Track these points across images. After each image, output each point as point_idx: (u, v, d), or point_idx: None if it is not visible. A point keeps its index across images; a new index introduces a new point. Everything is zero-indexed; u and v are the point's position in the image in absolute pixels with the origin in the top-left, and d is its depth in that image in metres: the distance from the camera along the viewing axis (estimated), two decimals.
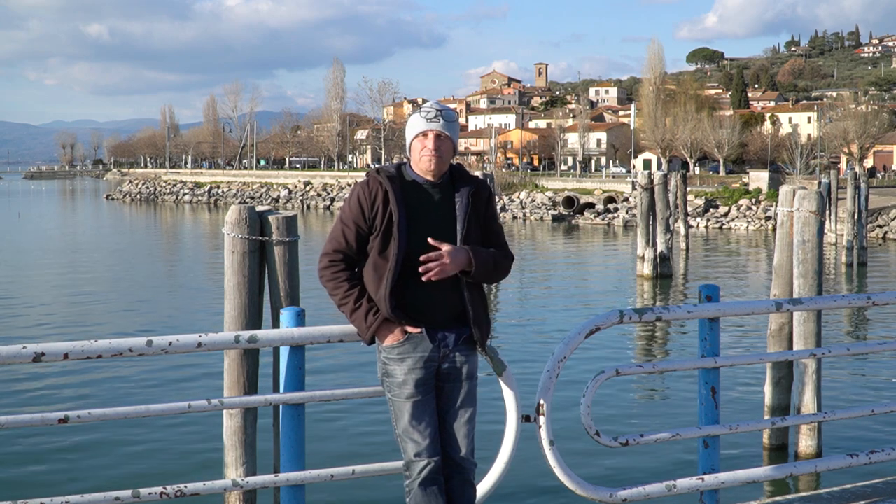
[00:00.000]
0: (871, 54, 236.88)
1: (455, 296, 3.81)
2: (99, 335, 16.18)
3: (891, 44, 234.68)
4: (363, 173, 3.62)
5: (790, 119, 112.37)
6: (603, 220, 56.59)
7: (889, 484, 5.11)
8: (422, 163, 3.78)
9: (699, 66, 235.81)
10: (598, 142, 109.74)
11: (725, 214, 54.14)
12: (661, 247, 26.53)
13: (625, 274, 28.94)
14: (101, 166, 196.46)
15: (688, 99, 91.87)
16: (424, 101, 4.05)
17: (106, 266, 31.27)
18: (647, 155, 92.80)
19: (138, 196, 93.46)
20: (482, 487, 4.24)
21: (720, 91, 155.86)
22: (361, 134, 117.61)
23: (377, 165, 4.63)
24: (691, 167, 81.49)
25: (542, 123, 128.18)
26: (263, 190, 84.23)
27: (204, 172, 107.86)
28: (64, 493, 3.81)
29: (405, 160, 3.93)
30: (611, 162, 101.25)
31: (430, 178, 3.80)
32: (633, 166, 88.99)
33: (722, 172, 79.09)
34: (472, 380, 3.87)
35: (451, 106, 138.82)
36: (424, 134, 3.78)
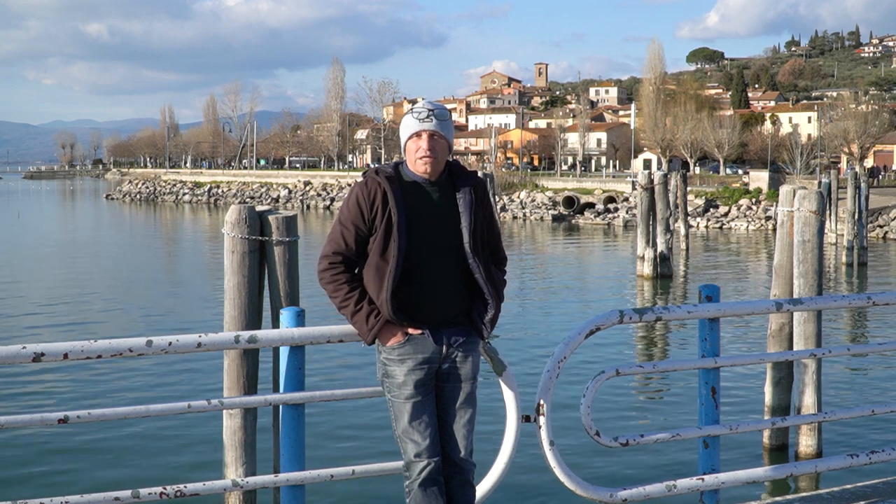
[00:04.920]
0: (871, 54, 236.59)
1: (456, 295, 3.80)
2: (99, 335, 16.18)
3: (891, 44, 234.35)
4: (362, 173, 3.61)
5: (790, 119, 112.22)
6: (603, 220, 56.58)
7: (889, 484, 5.11)
8: (418, 164, 3.77)
9: (699, 65, 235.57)
10: (599, 142, 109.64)
11: (725, 214, 54.15)
12: (661, 247, 26.53)
13: (625, 274, 28.93)
14: (100, 166, 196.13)
15: (688, 99, 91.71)
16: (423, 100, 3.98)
17: (105, 266, 31.26)
18: (647, 155, 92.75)
19: (138, 196, 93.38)
20: (482, 487, 4.24)
21: (720, 91, 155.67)
22: (361, 134, 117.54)
23: (375, 165, 4.60)
24: (691, 167, 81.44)
25: (542, 123, 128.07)
26: (263, 190, 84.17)
27: (204, 172, 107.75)
28: (64, 493, 3.81)
29: (403, 160, 3.90)
30: (611, 163, 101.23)
31: (427, 178, 3.79)
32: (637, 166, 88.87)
33: (722, 172, 79.03)
34: (472, 380, 3.86)
35: (451, 106, 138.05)
36: (418, 135, 3.76)
